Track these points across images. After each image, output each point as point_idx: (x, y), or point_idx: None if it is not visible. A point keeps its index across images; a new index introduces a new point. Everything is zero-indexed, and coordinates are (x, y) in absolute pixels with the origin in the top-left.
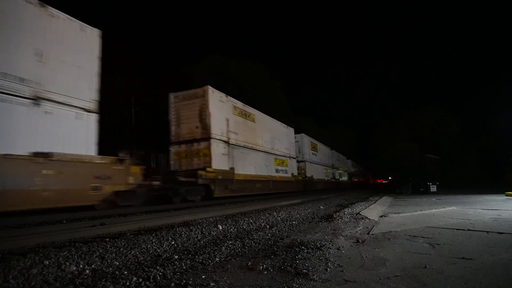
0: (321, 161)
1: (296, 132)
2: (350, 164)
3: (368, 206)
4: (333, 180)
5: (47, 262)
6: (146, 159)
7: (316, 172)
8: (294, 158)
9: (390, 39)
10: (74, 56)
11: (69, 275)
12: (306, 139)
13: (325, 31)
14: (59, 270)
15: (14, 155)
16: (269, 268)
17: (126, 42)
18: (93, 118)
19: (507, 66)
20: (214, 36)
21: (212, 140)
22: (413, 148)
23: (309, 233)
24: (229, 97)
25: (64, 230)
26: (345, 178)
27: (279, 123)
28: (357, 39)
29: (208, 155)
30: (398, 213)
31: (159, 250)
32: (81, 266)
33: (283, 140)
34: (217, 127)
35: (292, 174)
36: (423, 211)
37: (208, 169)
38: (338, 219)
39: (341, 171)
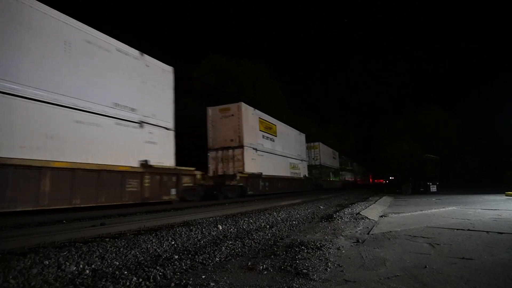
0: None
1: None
2: (350, 164)
3: (368, 206)
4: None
5: (47, 262)
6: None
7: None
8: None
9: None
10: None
11: (69, 275)
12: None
13: (326, 31)
14: (59, 270)
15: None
16: (269, 268)
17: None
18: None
19: (507, 66)
20: (214, 36)
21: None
22: (413, 148)
23: (309, 233)
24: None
25: (64, 230)
26: (345, 178)
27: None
28: (357, 39)
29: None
30: (398, 213)
31: (159, 250)
32: (81, 266)
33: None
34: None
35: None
36: (423, 211)
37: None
38: (338, 219)
39: (342, 172)
